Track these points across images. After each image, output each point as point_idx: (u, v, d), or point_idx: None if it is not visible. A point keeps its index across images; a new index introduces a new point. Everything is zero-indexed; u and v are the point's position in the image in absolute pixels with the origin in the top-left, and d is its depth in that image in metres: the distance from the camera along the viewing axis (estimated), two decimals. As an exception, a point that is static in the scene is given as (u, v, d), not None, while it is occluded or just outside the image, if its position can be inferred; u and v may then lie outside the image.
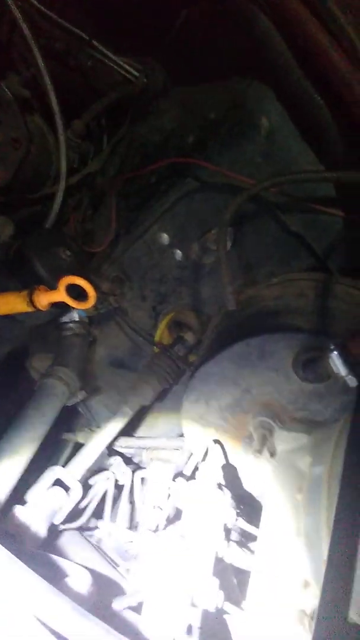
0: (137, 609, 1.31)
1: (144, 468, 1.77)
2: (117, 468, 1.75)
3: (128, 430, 1.89)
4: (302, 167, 1.36)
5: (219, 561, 1.12)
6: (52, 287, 1.35)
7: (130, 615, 1.23)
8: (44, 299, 1.28)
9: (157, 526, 1.38)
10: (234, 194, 1.40)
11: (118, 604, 1.14)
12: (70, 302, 1.28)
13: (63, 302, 1.34)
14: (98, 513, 1.65)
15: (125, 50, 1.59)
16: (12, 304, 1.30)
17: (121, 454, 1.88)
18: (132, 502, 1.67)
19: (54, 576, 1.10)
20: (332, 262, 1.49)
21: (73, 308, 1.69)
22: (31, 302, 1.27)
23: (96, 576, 1.26)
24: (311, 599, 0.88)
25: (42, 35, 1.50)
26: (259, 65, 1.29)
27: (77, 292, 1.37)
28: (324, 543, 0.84)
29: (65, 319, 1.72)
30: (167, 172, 1.56)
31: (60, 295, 1.27)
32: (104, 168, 1.71)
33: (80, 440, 2.01)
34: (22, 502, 1.46)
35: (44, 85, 1.45)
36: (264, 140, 1.37)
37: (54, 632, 0.85)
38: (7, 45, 1.51)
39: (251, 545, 1.23)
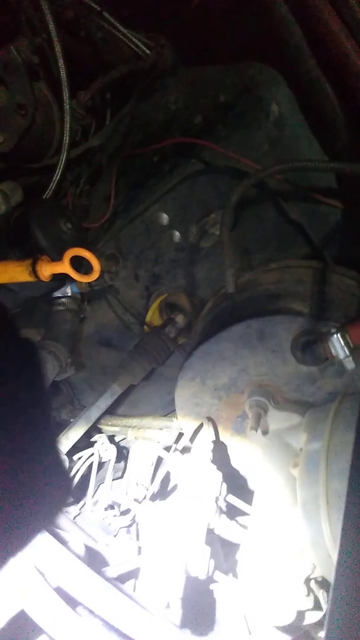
0: (122, 579, 1.34)
1: (129, 446, 1.80)
2: (102, 445, 1.77)
3: (113, 409, 1.90)
4: (308, 157, 1.40)
5: (209, 532, 1.15)
6: (53, 258, 1.34)
7: (117, 585, 1.26)
8: (47, 270, 1.27)
9: (145, 499, 1.41)
10: (237, 178, 1.42)
11: (110, 572, 1.17)
12: (74, 274, 1.28)
13: (63, 275, 1.33)
14: (78, 491, 1.67)
15: (137, 25, 1.57)
16: (12, 272, 1.29)
17: (105, 432, 1.89)
18: (114, 479, 1.70)
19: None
20: (327, 252, 1.54)
21: (67, 283, 1.68)
22: (34, 272, 1.26)
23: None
24: (306, 565, 0.92)
25: (53, 2, 1.46)
26: (271, 51, 1.31)
27: (76, 266, 1.36)
28: (322, 512, 0.89)
29: (57, 293, 1.70)
30: (171, 152, 1.56)
31: (64, 266, 1.26)
32: (106, 144, 1.69)
33: (64, 417, 2.01)
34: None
35: (52, 53, 1.42)
36: (273, 127, 1.39)
37: (57, 589, 0.87)
38: (15, 10, 1.46)
39: (239, 519, 1.28)
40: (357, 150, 1.33)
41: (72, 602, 0.87)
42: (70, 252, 1.26)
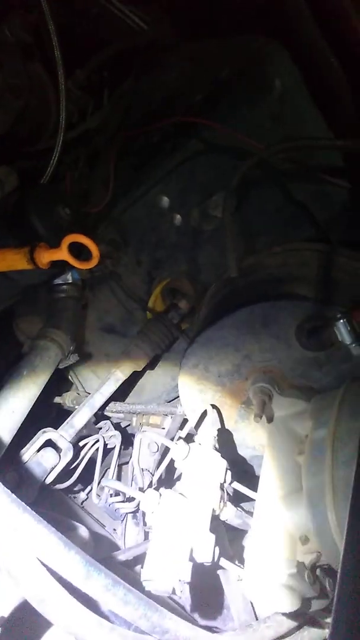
0: (128, 564, 1.34)
1: (134, 433, 1.79)
2: (107, 432, 1.77)
3: (118, 396, 1.90)
4: (313, 134, 1.35)
5: (214, 519, 1.15)
6: (51, 245, 1.32)
7: (123, 570, 1.27)
8: (46, 257, 1.24)
9: (150, 485, 1.41)
10: (240, 158, 1.38)
11: (115, 558, 1.17)
12: (72, 261, 1.25)
13: (63, 262, 1.31)
14: (86, 476, 1.67)
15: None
16: (11, 260, 1.26)
17: (110, 419, 1.89)
18: (120, 464, 1.70)
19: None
20: (333, 234, 1.50)
21: (67, 270, 1.66)
22: (32, 260, 1.23)
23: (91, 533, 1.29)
24: (310, 553, 0.92)
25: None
26: (274, 22, 1.25)
27: (75, 252, 1.34)
28: (328, 500, 0.87)
29: (58, 280, 1.68)
30: (171, 132, 1.51)
31: (62, 253, 1.23)
32: (104, 125, 1.64)
33: (69, 404, 2.01)
34: (14, 463, 1.46)
35: (46, 31, 1.36)
36: (276, 103, 1.34)
37: (54, 574, 0.86)
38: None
39: (244, 505, 1.28)
40: (364, 125, 1.28)
41: (74, 592, 0.86)
42: (68, 238, 1.23)
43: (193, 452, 1.19)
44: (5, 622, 0.84)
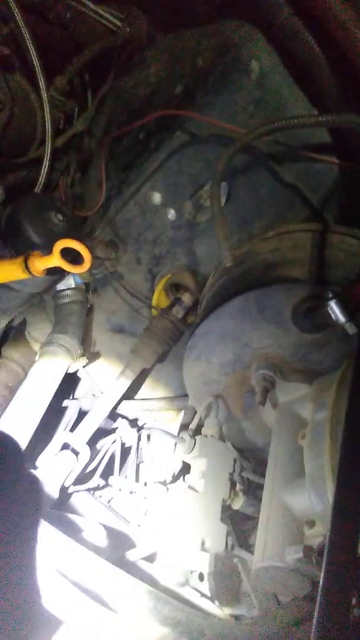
0: (150, 559, 1.36)
1: (149, 429, 1.81)
2: (123, 430, 1.79)
3: (131, 393, 1.92)
4: (296, 113, 1.32)
5: (227, 509, 1.16)
6: (47, 252, 1.34)
7: (144, 565, 1.28)
8: (39, 264, 1.26)
9: (165, 481, 1.42)
10: (225, 145, 1.36)
11: (132, 555, 1.19)
12: (66, 266, 1.27)
13: (59, 268, 1.32)
14: (106, 475, 1.70)
15: (106, -1, 1.51)
16: (7, 271, 1.29)
17: (126, 417, 1.91)
18: (139, 462, 1.71)
19: (70, 532, 1.14)
20: (328, 212, 1.47)
21: (69, 275, 1.68)
22: (27, 269, 1.26)
23: (109, 531, 1.31)
24: (316, 536, 0.91)
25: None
26: (245, 5, 1.23)
27: (72, 257, 1.35)
28: (328, 483, 0.86)
29: (61, 286, 1.71)
30: (155, 127, 1.50)
31: (55, 259, 1.25)
32: (91, 127, 1.65)
33: (84, 407, 2.04)
34: (33, 467, 1.50)
35: (23, 41, 1.38)
36: (255, 86, 1.31)
37: (75, 584, 0.89)
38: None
39: (257, 493, 1.27)
40: (346, 99, 1.24)
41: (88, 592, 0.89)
42: (59, 244, 1.25)
43: (200, 445, 1.20)
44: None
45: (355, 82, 1.25)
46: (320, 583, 0.62)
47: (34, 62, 1.41)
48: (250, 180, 1.49)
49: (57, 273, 1.44)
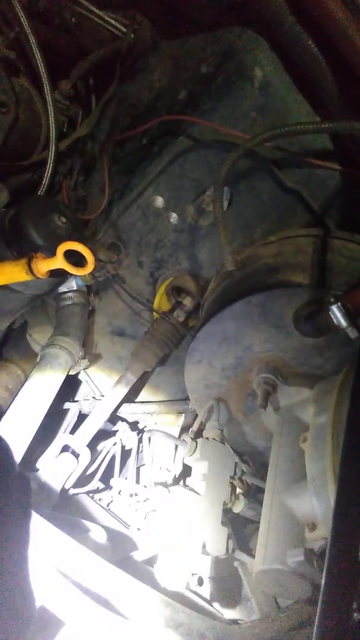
0: (151, 561, 1.36)
1: (151, 431, 1.81)
2: (124, 433, 1.79)
3: (131, 396, 1.92)
4: (298, 120, 1.33)
5: (227, 512, 1.16)
6: (50, 255, 1.34)
7: (145, 567, 1.28)
8: (43, 267, 1.27)
9: (166, 483, 1.42)
10: (228, 151, 1.37)
11: (133, 558, 1.19)
12: (69, 268, 1.28)
13: (62, 270, 1.33)
14: (106, 478, 1.70)
15: (111, 5, 1.52)
16: (10, 273, 1.30)
17: (126, 420, 1.91)
18: (139, 465, 1.72)
19: (70, 534, 1.14)
20: (330, 218, 1.48)
21: (71, 277, 1.69)
22: (30, 270, 1.26)
23: (110, 534, 1.31)
24: (318, 539, 0.91)
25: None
26: (249, 12, 1.24)
27: (75, 259, 1.36)
28: (330, 487, 0.87)
29: (63, 288, 1.71)
30: (158, 132, 1.52)
31: (58, 262, 1.26)
32: (94, 131, 1.67)
33: (85, 409, 2.04)
34: (34, 470, 1.50)
35: (29, 46, 1.40)
36: (258, 93, 1.33)
37: (76, 584, 0.89)
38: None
39: (258, 496, 1.28)
40: (349, 106, 1.26)
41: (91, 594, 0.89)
42: (63, 246, 1.25)
43: (201, 447, 1.20)
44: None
45: (357, 88, 1.26)
46: (322, 586, 0.63)
47: (39, 66, 1.43)
48: (253, 186, 1.50)
49: (59, 275, 1.45)
